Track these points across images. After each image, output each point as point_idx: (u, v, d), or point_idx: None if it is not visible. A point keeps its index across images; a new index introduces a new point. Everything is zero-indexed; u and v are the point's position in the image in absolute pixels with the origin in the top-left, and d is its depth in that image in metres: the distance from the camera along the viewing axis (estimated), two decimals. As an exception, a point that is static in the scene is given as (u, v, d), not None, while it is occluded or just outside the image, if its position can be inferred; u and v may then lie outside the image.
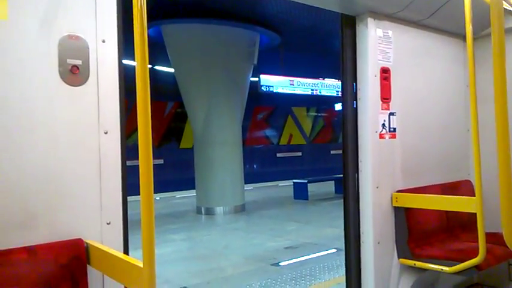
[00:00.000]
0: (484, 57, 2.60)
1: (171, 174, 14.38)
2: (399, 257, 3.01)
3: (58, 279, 1.63)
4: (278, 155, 19.41)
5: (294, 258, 6.01)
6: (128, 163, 1.94)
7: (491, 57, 1.72)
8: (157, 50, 10.57)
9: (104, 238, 1.82)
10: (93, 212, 1.81)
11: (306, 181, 12.39)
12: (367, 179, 2.93)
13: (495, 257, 2.79)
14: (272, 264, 5.80)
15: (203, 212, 10.41)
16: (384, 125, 3.00)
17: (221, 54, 10.02)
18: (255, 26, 10.38)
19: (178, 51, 10.29)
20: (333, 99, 17.17)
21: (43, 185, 1.69)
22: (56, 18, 1.73)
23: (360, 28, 2.98)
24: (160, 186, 10.90)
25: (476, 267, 2.60)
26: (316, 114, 21.20)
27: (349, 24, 3.00)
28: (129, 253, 1.92)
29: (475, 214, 2.39)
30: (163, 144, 15.84)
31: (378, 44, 2.97)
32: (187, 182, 12.35)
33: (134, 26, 1.21)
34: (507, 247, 1.79)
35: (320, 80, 16.05)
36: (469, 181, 3.57)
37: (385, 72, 3.01)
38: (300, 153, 20.17)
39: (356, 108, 3.02)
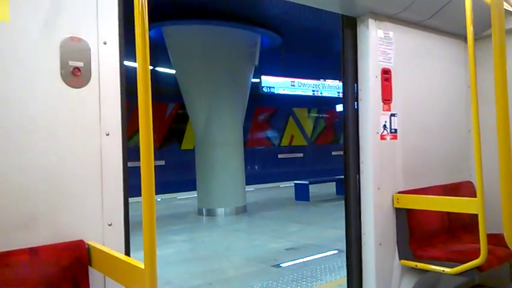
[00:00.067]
0: (485, 58, 2.60)
1: (173, 176, 14.38)
2: (400, 258, 3.01)
3: (59, 280, 1.64)
4: (279, 156, 19.39)
5: (296, 260, 6.00)
6: (130, 164, 1.94)
7: (492, 58, 1.72)
8: (158, 52, 10.58)
9: (106, 239, 1.83)
10: (95, 214, 1.81)
11: (307, 182, 12.36)
12: (368, 180, 2.93)
13: (497, 258, 2.78)
14: (273, 266, 5.79)
15: (204, 213, 10.41)
16: (385, 126, 3.00)
17: (222, 55, 10.02)
18: (256, 27, 10.38)
19: (179, 52, 10.30)
20: (334, 100, 17.16)
21: (45, 186, 1.69)
22: (58, 20, 1.73)
23: (360, 29, 2.98)
24: (162, 187, 10.93)
25: (478, 268, 2.60)
26: (317, 115, 21.18)
27: (350, 25, 3.00)
28: (131, 254, 1.92)
29: (477, 215, 2.39)
30: (164, 146, 15.84)
31: (379, 45, 2.98)
32: (188, 183, 12.34)
33: (135, 27, 1.21)
34: (508, 248, 1.79)
35: (321, 81, 16.06)
36: (471, 182, 3.57)
37: (386, 73, 3.01)
38: (301, 155, 20.16)
39: (357, 109, 3.02)
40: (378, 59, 2.97)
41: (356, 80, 3.02)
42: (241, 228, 9.21)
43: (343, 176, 3.11)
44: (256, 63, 10.63)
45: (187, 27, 9.85)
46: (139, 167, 1.21)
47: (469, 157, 3.59)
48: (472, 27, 2.28)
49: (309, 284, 4.82)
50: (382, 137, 2.99)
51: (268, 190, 15.48)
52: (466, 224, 3.35)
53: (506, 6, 3.05)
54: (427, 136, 3.34)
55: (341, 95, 3.30)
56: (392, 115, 3.06)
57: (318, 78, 15.95)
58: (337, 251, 6.24)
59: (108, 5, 1.87)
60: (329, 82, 16.21)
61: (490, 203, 2.48)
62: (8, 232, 1.60)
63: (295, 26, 10.58)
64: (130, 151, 1.93)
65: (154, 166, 1.24)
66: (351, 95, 3.05)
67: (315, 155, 20.46)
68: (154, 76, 12.66)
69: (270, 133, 19.43)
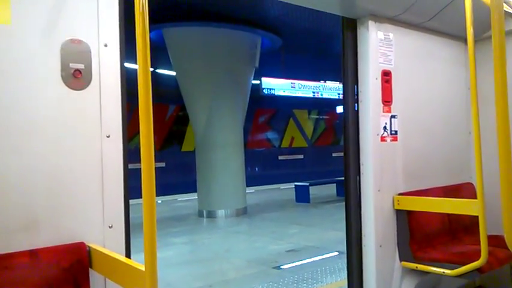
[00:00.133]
0: (485, 60, 2.60)
1: (173, 177, 14.38)
2: (401, 259, 3.01)
3: (60, 282, 1.64)
4: (280, 157, 19.39)
5: (296, 262, 5.99)
6: (130, 166, 1.95)
7: (492, 59, 1.73)
8: (158, 54, 10.59)
9: (106, 241, 1.83)
10: (95, 216, 1.81)
11: (307, 184, 12.36)
12: (368, 181, 2.93)
13: (497, 260, 2.78)
14: (274, 268, 5.79)
15: (205, 215, 10.41)
16: (385, 127, 3.00)
17: (223, 57, 10.03)
18: (257, 28, 10.39)
19: (179, 54, 10.31)
20: (335, 102, 17.18)
21: (45, 188, 1.69)
22: (58, 23, 1.74)
23: (361, 31, 2.98)
24: (162, 189, 10.90)
25: (478, 270, 2.60)
26: (317, 116, 21.19)
27: (350, 27, 3.00)
28: (131, 256, 1.92)
29: (477, 217, 2.39)
30: (165, 147, 15.84)
31: (379, 46, 2.98)
32: (189, 185, 12.34)
33: (136, 29, 1.22)
34: (509, 250, 1.79)
35: (321, 83, 16.07)
36: (471, 184, 3.57)
37: (386, 75, 3.01)
38: (301, 156, 20.15)
39: (357, 111, 3.02)
40: (378, 61, 2.97)
41: (356, 82, 3.02)
42: (242, 230, 9.21)
43: (343, 178, 3.12)
44: (257, 65, 10.64)
45: (188, 29, 9.86)
46: (140, 169, 1.21)
47: (469, 159, 3.59)
48: (472, 29, 2.28)
49: (310, 286, 4.82)
50: (383, 139, 2.99)
51: (268, 192, 15.47)
52: (466, 226, 3.34)
53: (506, 8, 3.05)
54: (427, 138, 3.34)
55: (341, 97, 3.30)
56: (393, 117, 3.06)
57: (318, 80, 15.97)
58: (337, 253, 6.23)
59: (108, 7, 1.88)
60: (329, 84, 16.22)
61: (491, 204, 2.47)
62: (8, 234, 1.60)
63: (296, 27, 10.60)
64: (131, 153, 1.93)
65: (155, 168, 1.24)
66: (351, 96, 3.05)
67: (315, 156, 20.46)
68: (155, 78, 12.67)
69: (270, 135, 19.44)
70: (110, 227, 1.84)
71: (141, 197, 1.20)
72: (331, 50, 11.45)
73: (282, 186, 16.36)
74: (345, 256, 3.16)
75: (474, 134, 2.30)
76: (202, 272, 5.88)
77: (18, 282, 1.56)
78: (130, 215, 1.95)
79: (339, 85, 15.73)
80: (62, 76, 1.74)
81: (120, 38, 1.91)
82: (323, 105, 19.88)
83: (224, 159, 10.29)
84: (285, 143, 19.85)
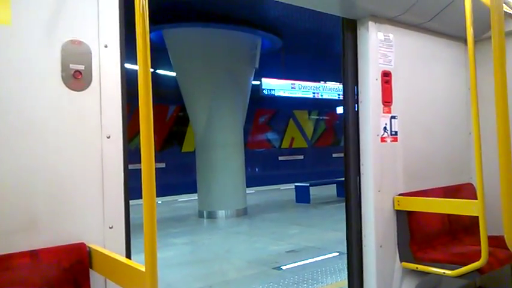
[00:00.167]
0: (485, 60, 2.60)
1: (173, 178, 14.38)
2: (401, 260, 3.01)
3: (60, 283, 1.64)
4: (280, 158, 19.39)
5: (296, 262, 5.99)
6: (130, 167, 1.95)
7: (492, 60, 1.73)
8: (159, 54, 10.60)
9: (106, 242, 1.83)
10: (96, 216, 1.81)
11: (308, 184, 12.37)
12: (368, 182, 2.94)
13: (497, 260, 2.78)
14: (274, 268, 5.79)
15: (205, 215, 10.41)
16: (385, 128, 3.01)
17: (223, 57, 10.04)
18: (257, 29, 10.40)
19: (180, 55, 10.32)
20: (335, 103, 17.16)
21: (45, 189, 1.69)
22: (59, 24, 1.74)
23: (361, 32, 2.98)
24: (163, 189, 10.91)
25: (479, 270, 2.60)
26: (317, 117, 21.20)
27: (350, 27, 3.01)
28: (131, 257, 1.92)
29: (477, 217, 2.39)
30: (165, 148, 15.85)
31: (379, 47, 2.98)
32: (189, 186, 12.35)
33: (136, 30, 1.22)
34: (509, 250, 1.79)
35: (321, 83, 16.06)
36: (471, 184, 3.57)
37: (386, 76, 3.01)
38: (301, 157, 20.15)
39: (357, 112, 3.02)
40: (378, 62, 2.97)
41: (356, 83, 3.02)
42: (242, 230, 9.21)
43: (343, 179, 3.12)
44: (257, 65, 10.65)
45: (188, 30, 9.87)
46: (140, 169, 1.21)
47: (469, 159, 3.59)
48: (472, 30, 2.28)
49: (310, 287, 4.82)
50: (383, 139, 2.99)
51: (268, 192, 15.47)
52: (466, 226, 3.34)
53: (505, 8, 3.06)
54: (427, 138, 3.34)
55: (341, 97, 3.30)
56: (393, 117, 3.06)
57: (319, 81, 15.95)
58: (337, 253, 6.23)
59: (109, 8, 1.88)
60: (329, 84, 16.20)
61: (491, 205, 2.47)
62: (9, 235, 1.60)
63: (296, 28, 10.60)
64: (131, 153, 1.93)
65: (155, 168, 1.24)
66: (351, 97, 3.05)
67: (315, 157, 20.46)
68: (155, 79, 12.68)
69: (270, 135, 19.44)
70: (110, 228, 1.85)
71: (141, 198, 1.21)
72: (331, 50, 11.44)
73: (282, 186, 16.36)
74: (345, 257, 3.16)
75: (474, 135, 2.30)
76: (202, 272, 5.88)
77: (18, 282, 1.56)
78: (131, 216, 1.95)
79: (339, 86, 15.71)
80: (62, 77, 1.74)
81: (120, 39, 1.91)
82: (323, 106, 19.88)
83: (224, 160, 10.30)
84: (285, 144, 19.85)
